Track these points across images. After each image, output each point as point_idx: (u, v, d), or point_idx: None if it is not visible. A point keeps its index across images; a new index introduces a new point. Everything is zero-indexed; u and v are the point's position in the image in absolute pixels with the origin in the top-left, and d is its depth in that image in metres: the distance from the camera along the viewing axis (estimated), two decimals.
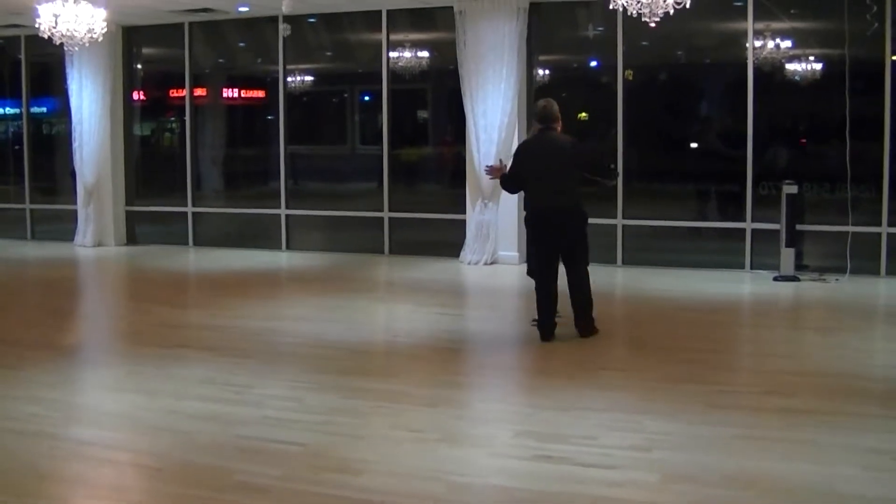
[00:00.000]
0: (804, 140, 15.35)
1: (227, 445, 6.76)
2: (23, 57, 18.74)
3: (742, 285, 13.61)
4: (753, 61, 14.19)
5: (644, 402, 7.77)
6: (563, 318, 10.11)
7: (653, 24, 10.38)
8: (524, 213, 10.15)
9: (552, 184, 9.79)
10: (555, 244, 9.85)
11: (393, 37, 16.27)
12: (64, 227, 18.29)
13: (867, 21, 13.04)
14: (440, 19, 15.98)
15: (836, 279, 13.42)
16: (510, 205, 14.54)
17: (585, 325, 10.00)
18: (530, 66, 15.34)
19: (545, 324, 9.89)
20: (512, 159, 10.26)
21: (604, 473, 6.18)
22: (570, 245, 9.89)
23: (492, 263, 14.90)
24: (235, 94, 19.20)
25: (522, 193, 10.46)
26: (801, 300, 12.62)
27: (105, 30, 12.62)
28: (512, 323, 10.75)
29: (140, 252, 17.22)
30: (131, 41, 17.96)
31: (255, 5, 15.83)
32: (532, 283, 10.08)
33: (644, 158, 15.66)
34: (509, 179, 10.14)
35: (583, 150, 10.44)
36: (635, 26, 12.51)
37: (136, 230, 18.22)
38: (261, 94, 18.66)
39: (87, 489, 6.14)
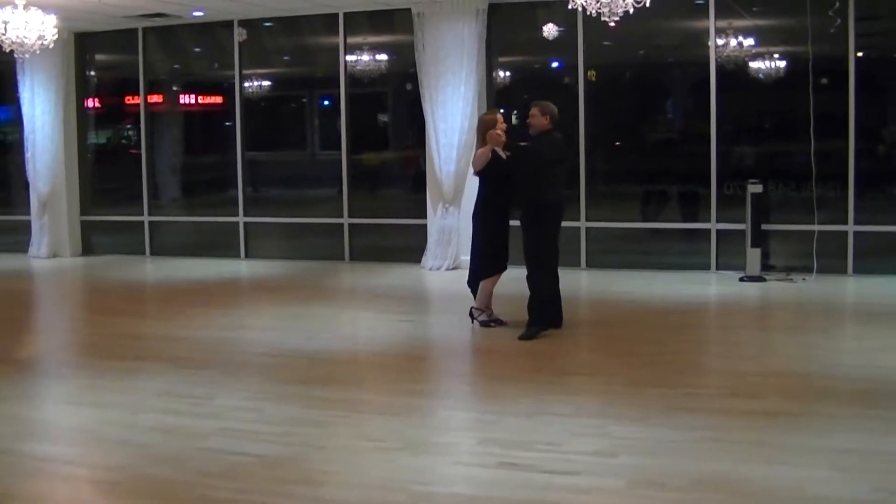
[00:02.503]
0: (768, 139, 15.43)
1: (186, 458, 6.73)
2: None
3: (708, 286, 13.68)
4: (716, 59, 14.26)
5: (609, 407, 7.80)
6: (506, 322, 10.61)
7: (612, 24, 10.45)
8: (532, 207, 10.36)
9: (562, 179, 10.72)
10: (558, 233, 10.58)
11: (350, 40, 16.24)
12: (18, 238, 18.12)
13: (831, 17, 13.10)
14: (398, 21, 15.96)
15: (803, 279, 13.49)
16: (472, 209, 14.50)
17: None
18: (490, 68, 15.36)
19: (554, 312, 10.48)
20: (539, 153, 10.34)
21: (569, 480, 6.19)
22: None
23: (454, 268, 14.89)
24: (192, 101, 19.11)
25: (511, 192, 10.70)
26: (767, 300, 12.68)
27: (56, 36, 12.52)
28: (475, 329, 10.75)
29: (96, 263, 17.11)
30: (84, 47, 17.84)
31: (210, 10, 15.76)
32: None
33: (607, 159, 15.73)
34: (532, 174, 10.36)
35: None
36: (596, 26, 12.54)
37: (91, 240, 18.09)
38: (218, 100, 18.59)
39: None
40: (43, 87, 17.20)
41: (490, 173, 10.53)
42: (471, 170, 11.33)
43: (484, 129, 10.58)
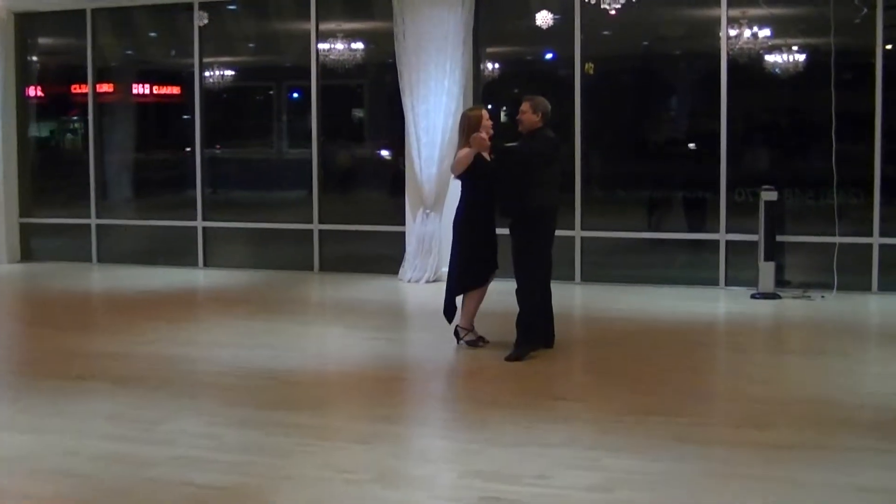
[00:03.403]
0: (785, 140, 15.46)
1: (135, 490, 6.71)
2: None
3: (716, 303, 13.69)
4: (728, 52, 14.26)
5: (605, 437, 7.79)
6: (489, 342, 10.68)
7: (613, 12, 10.49)
8: (521, 214, 10.36)
9: (555, 183, 10.68)
10: (551, 242, 10.58)
11: (323, 26, 16.23)
12: None
13: (856, 6, 13.12)
14: (377, 7, 15.99)
15: (822, 296, 13.52)
16: (453, 216, 14.52)
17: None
18: (477, 59, 15.37)
19: (546, 330, 10.53)
20: (530, 154, 10.33)
21: None
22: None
23: (435, 281, 14.87)
24: (146, 91, 19.08)
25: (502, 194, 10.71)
26: (782, 320, 12.70)
27: None
28: (458, 349, 10.74)
29: (37, 270, 17.07)
30: (25, 30, 17.77)
31: None
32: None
33: (605, 162, 15.74)
34: (522, 177, 10.34)
35: None
36: (595, 14, 12.56)
37: (31, 245, 18.02)
38: (175, 90, 18.58)
39: None
40: None
41: (473, 176, 10.52)
42: None
43: (468, 128, 10.56)
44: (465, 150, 10.44)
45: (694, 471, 6.97)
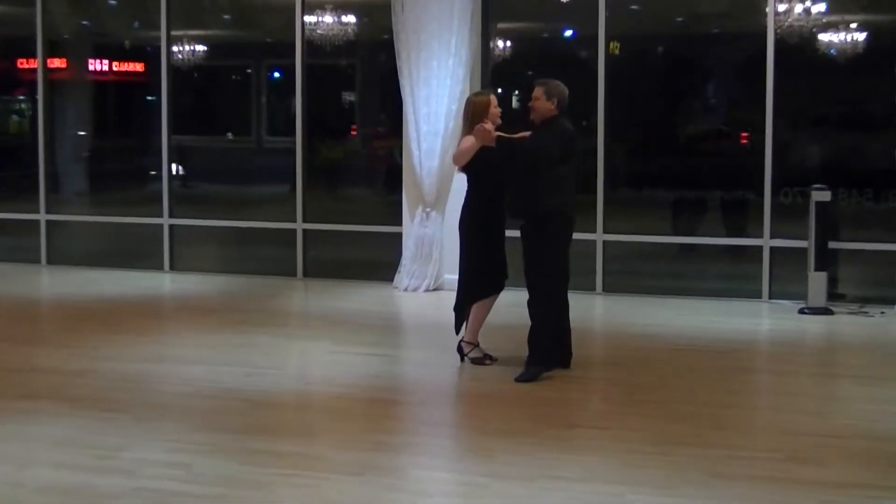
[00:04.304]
0: (839, 133, 15.47)
1: None
2: None
3: (758, 319, 13.71)
4: (775, 31, 14.28)
5: (628, 471, 7.82)
6: (497, 360, 10.74)
7: None
8: (533, 216, 10.38)
9: (572, 181, 10.58)
10: (567, 248, 10.63)
11: None
12: None
13: None
14: None
15: (882, 312, 13.55)
16: (457, 216, 14.53)
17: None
18: (486, 36, 15.39)
19: (561, 348, 10.53)
20: (542, 147, 10.34)
21: None
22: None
23: (435, 290, 14.95)
24: (105, 68, 19.12)
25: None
26: (834, 339, 12.73)
27: None
28: (461, 367, 10.77)
29: None
30: None
31: None
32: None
33: (632, 156, 15.76)
34: (534, 174, 10.36)
35: None
36: None
37: None
38: (138, 67, 18.63)
39: None
40: None
41: (479, 168, 10.55)
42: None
43: (472, 115, 10.59)
44: (469, 141, 10.46)
45: None
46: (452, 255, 14.71)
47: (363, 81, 18.00)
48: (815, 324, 13.21)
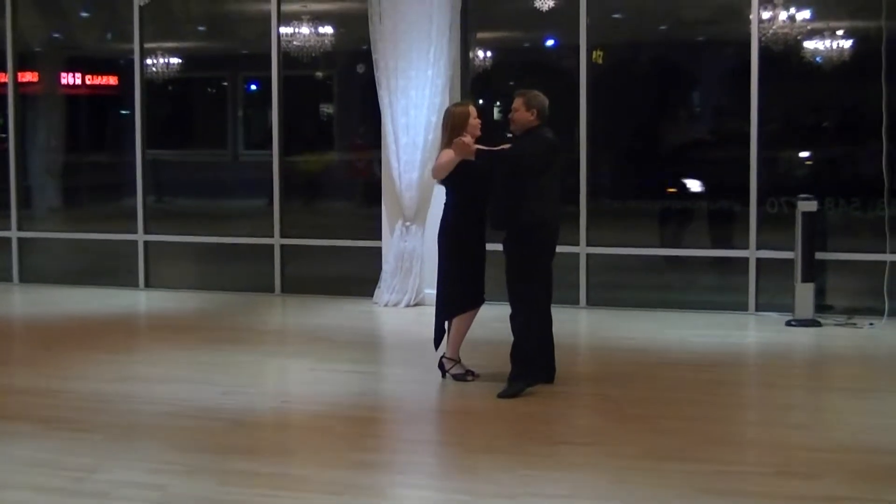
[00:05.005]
0: (826, 142, 15.49)
1: None
2: None
3: (745, 332, 13.72)
4: (760, 39, 14.29)
5: (617, 487, 7.80)
6: (479, 376, 10.73)
7: None
8: (514, 228, 10.39)
9: (554, 192, 10.59)
10: (550, 260, 10.59)
11: (286, 7, 16.27)
12: None
13: None
14: None
15: (870, 323, 13.56)
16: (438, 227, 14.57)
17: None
18: (466, 46, 15.39)
19: (545, 363, 10.53)
20: (523, 157, 10.33)
21: None
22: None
23: (415, 305, 14.94)
24: (77, 81, 19.08)
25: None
26: (822, 351, 12.73)
27: None
28: (443, 384, 10.75)
29: None
30: None
31: None
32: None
33: (615, 167, 15.76)
34: (515, 185, 10.34)
35: None
36: None
37: None
38: (112, 80, 18.59)
39: None
40: None
41: (459, 181, 10.53)
42: None
43: (451, 126, 10.59)
44: (448, 154, 10.45)
45: None
46: (433, 269, 14.71)
47: (341, 93, 17.99)
48: (802, 336, 13.21)
